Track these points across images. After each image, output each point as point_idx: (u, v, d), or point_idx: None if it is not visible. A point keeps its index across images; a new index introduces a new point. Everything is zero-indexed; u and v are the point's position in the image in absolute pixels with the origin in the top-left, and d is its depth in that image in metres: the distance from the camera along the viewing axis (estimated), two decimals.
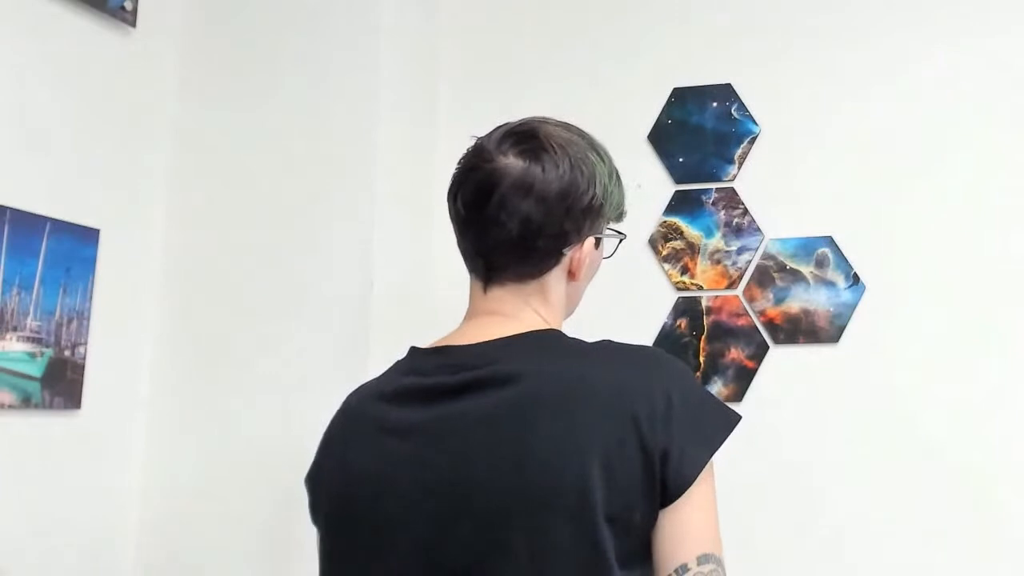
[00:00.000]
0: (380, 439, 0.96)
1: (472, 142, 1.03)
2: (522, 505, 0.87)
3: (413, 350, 1.04)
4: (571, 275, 1.03)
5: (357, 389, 1.10)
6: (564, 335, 0.99)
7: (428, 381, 0.96)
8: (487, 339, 0.96)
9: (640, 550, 0.87)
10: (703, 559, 0.86)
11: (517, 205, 0.96)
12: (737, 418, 0.93)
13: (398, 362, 1.06)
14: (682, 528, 0.87)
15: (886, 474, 1.69)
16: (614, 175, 1.05)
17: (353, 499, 0.97)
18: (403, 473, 0.93)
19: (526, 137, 0.98)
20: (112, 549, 1.74)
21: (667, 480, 0.86)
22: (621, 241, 1.09)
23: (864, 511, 1.69)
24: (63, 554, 1.64)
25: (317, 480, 1.05)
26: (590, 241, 1.02)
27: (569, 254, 1.01)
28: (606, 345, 0.97)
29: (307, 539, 1.67)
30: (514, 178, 0.96)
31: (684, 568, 0.85)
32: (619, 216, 1.07)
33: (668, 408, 0.88)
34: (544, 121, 1.02)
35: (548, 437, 0.87)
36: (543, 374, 0.91)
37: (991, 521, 1.65)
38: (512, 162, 0.97)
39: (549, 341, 0.97)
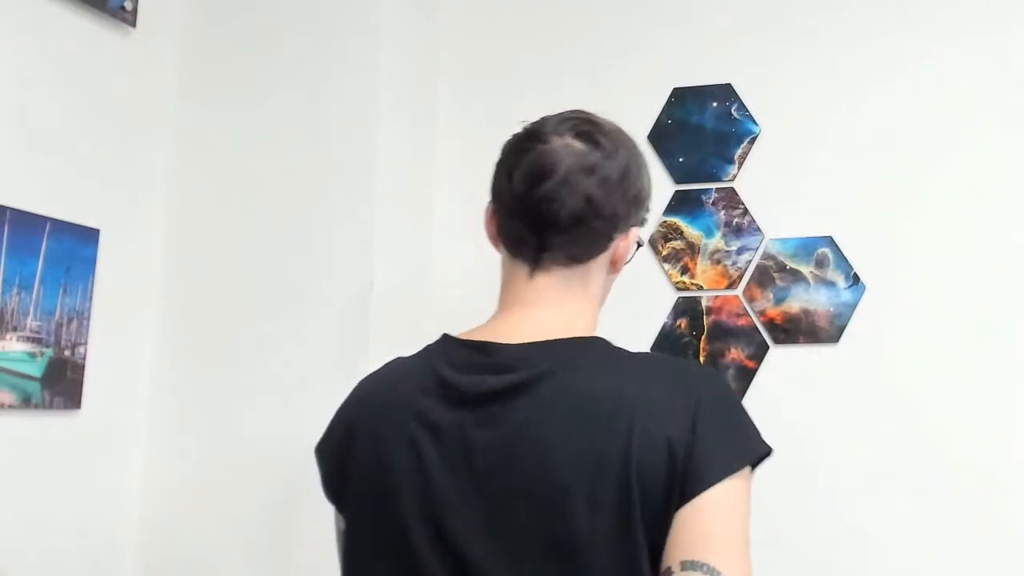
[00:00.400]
0: (413, 433, 0.94)
1: (520, 127, 1.03)
2: (556, 511, 0.87)
3: (447, 339, 1.01)
4: (612, 265, 1.03)
5: (380, 373, 1.07)
6: (608, 343, 0.98)
7: (466, 380, 0.94)
8: (529, 340, 0.95)
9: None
10: (688, 565, 0.83)
11: (580, 182, 0.96)
12: (763, 450, 0.91)
13: (429, 349, 1.03)
14: (678, 535, 0.85)
15: (886, 473, 1.69)
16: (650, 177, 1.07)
17: (381, 492, 0.95)
18: (434, 474, 0.92)
19: (584, 122, 0.99)
20: (112, 549, 1.74)
21: (683, 481, 0.86)
22: (638, 247, 1.10)
23: (864, 510, 1.69)
24: (63, 554, 1.64)
25: (332, 459, 1.04)
26: (634, 231, 1.03)
27: (615, 242, 1.01)
28: (648, 359, 0.98)
29: (307, 539, 1.68)
30: (577, 157, 0.96)
31: (668, 572, 0.84)
32: (643, 221, 1.08)
33: (695, 424, 0.87)
34: (592, 114, 1.03)
35: (585, 450, 0.87)
36: (580, 385, 0.90)
37: (992, 519, 1.65)
38: (572, 142, 0.97)
39: (591, 349, 0.96)
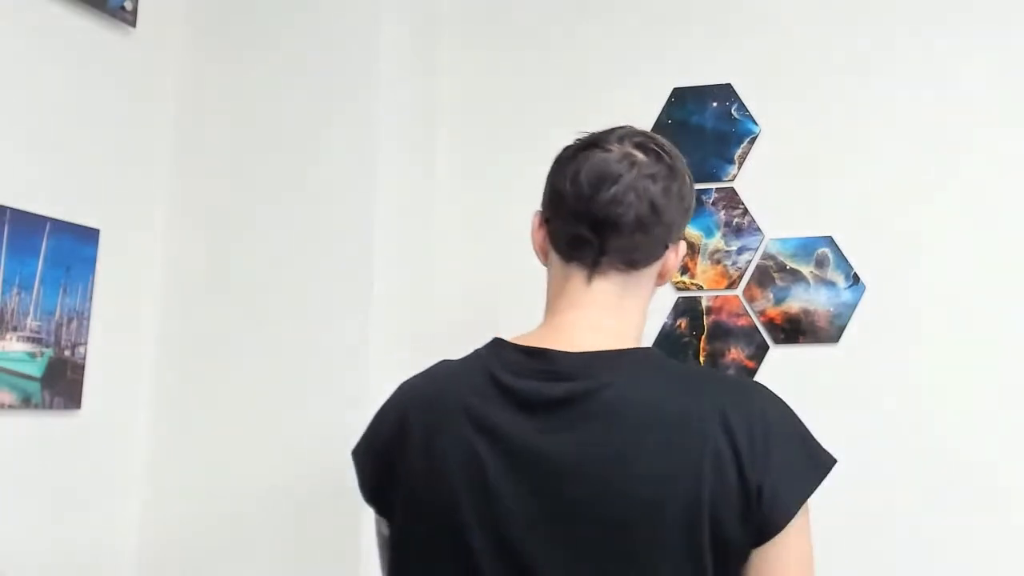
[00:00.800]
0: (470, 438, 0.94)
1: (573, 139, 1.06)
2: (617, 523, 0.88)
3: (500, 343, 1.01)
4: (660, 277, 1.06)
5: (428, 375, 1.06)
6: (662, 355, 1.00)
7: (525, 385, 0.95)
8: (587, 348, 0.96)
9: None
10: None
11: (647, 187, 0.99)
12: (832, 461, 0.94)
13: (479, 353, 1.03)
14: (771, 571, 0.88)
15: (886, 474, 1.69)
16: None
17: (436, 497, 0.95)
18: (492, 479, 0.92)
19: (641, 135, 1.04)
20: (112, 550, 1.74)
21: (761, 519, 0.87)
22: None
23: (863, 511, 1.69)
24: (63, 555, 1.64)
25: (376, 462, 1.03)
26: (682, 244, 1.07)
27: (668, 252, 1.04)
28: (707, 374, 1.07)
29: (308, 538, 1.68)
30: (641, 166, 1.00)
31: None
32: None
33: (766, 445, 0.89)
34: (644, 130, 1.07)
35: (650, 463, 0.88)
36: (644, 399, 0.92)
37: (993, 519, 1.65)
38: (634, 152, 1.01)
39: (652, 363, 0.98)
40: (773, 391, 0.98)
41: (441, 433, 0.96)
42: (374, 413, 1.08)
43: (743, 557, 0.88)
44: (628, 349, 0.97)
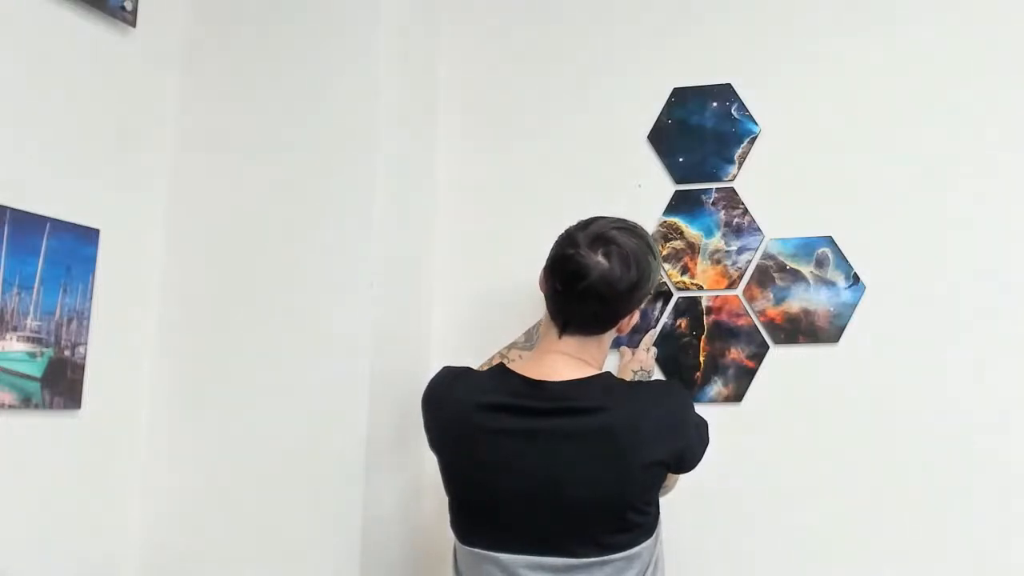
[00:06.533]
0: (483, 432, 1.37)
1: (563, 233, 1.41)
2: (601, 498, 1.32)
3: (506, 370, 1.42)
4: (619, 330, 1.46)
5: (453, 386, 1.44)
6: (614, 377, 1.44)
7: (527, 403, 1.35)
8: (565, 379, 1.37)
9: (655, 506, 1.40)
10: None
11: (599, 291, 1.35)
12: (707, 424, 1.47)
13: (493, 371, 1.45)
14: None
15: (886, 474, 1.70)
16: (659, 266, 1.47)
17: (476, 474, 1.39)
18: (508, 459, 1.35)
19: (608, 242, 1.36)
20: (112, 549, 1.74)
21: (679, 470, 1.42)
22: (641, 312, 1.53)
23: (863, 511, 1.69)
24: (63, 554, 1.64)
25: (436, 433, 1.45)
26: (636, 312, 1.45)
27: (620, 322, 1.43)
28: (644, 386, 1.53)
29: (308, 538, 1.68)
30: (600, 273, 1.35)
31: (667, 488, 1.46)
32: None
33: (686, 427, 1.39)
34: (619, 228, 1.39)
35: (623, 450, 1.32)
36: (613, 409, 1.34)
37: (993, 518, 1.65)
38: (599, 260, 1.35)
39: (610, 384, 1.40)
40: (684, 390, 1.61)
41: (463, 428, 1.41)
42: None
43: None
44: (590, 376, 1.39)
